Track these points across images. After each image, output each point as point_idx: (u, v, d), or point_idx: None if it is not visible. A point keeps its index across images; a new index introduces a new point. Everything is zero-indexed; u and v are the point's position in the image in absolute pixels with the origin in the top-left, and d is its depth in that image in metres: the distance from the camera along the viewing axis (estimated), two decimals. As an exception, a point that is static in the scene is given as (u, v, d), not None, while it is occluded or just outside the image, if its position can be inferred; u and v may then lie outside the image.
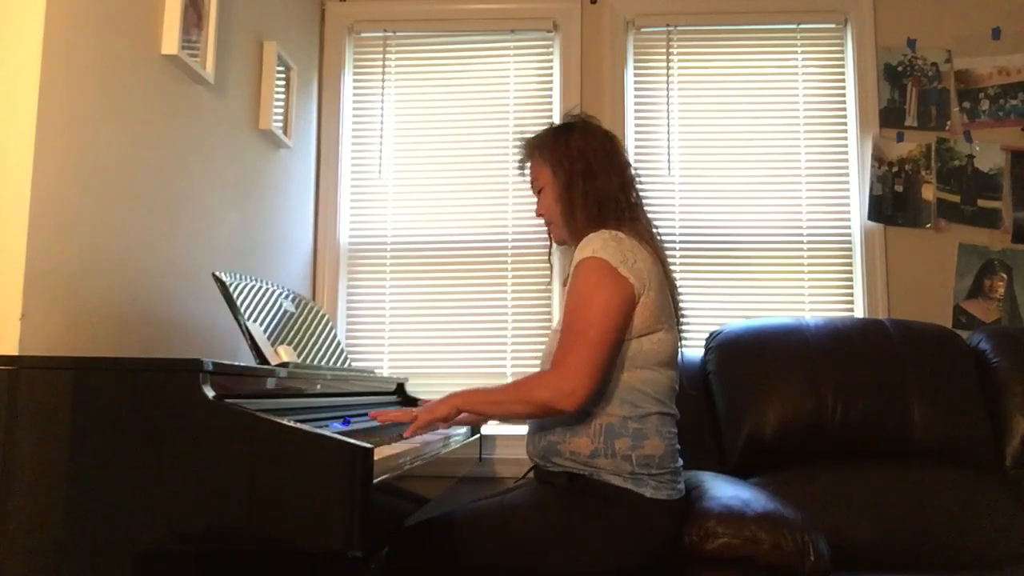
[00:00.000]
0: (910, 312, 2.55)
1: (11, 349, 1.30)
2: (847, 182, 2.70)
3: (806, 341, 2.25)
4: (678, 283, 1.73)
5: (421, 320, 2.74)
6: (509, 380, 2.62)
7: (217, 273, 1.65)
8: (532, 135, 1.79)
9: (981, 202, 2.63)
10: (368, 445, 1.11)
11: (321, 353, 1.98)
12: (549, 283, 2.65)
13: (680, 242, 2.70)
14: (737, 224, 2.70)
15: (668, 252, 2.62)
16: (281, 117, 2.38)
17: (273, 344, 1.70)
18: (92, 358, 1.21)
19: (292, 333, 1.85)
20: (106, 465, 1.13)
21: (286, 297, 1.91)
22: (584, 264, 1.54)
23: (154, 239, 1.73)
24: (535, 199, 1.78)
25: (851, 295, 2.66)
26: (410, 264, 2.76)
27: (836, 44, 2.76)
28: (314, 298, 2.71)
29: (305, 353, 1.87)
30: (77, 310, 1.46)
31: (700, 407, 2.28)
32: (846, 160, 2.71)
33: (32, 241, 1.34)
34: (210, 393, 1.13)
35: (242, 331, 1.62)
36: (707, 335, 2.43)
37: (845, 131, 2.72)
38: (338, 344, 2.12)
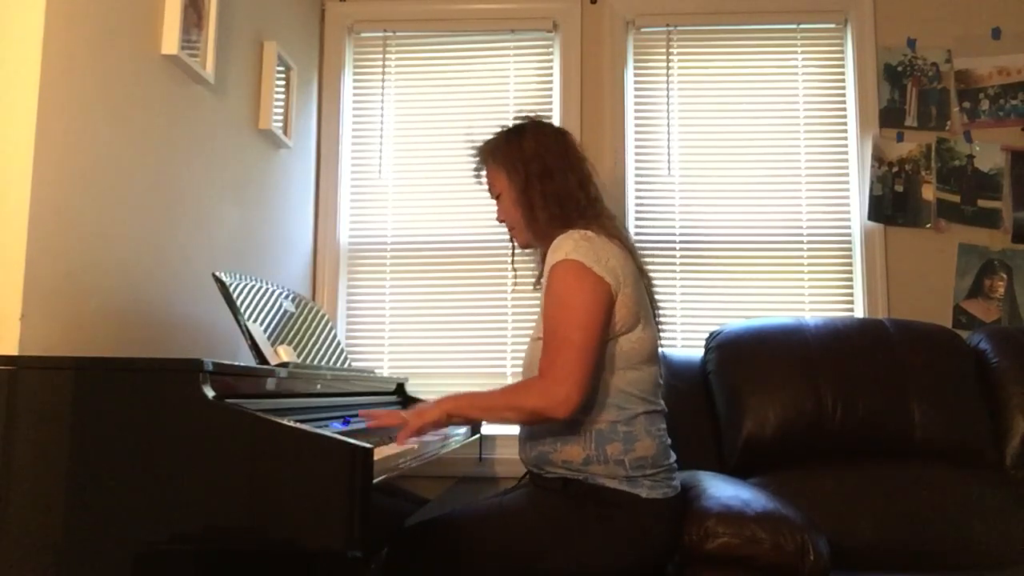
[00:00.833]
0: (910, 312, 2.55)
1: (11, 349, 1.30)
2: (847, 182, 2.70)
3: (806, 341, 2.25)
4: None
5: (421, 320, 2.74)
6: (509, 380, 2.62)
7: (217, 273, 1.65)
8: (484, 141, 1.78)
9: (981, 202, 2.63)
10: (368, 445, 1.11)
11: (321, 353, 1.98)
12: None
13: (680, 242, 2.70)
14: (737, 224, 2.70)
15: (668, 252, 2.68)
16: (281, 117, 2.38)
17: (273, 344, 1.70)
18: (92, 358, 1.21)
19: (292, 333, 1.85)
20: (106, 465, 1.13)
21: (286, 297, 1.91)
22: (559, 267, 1.53)
23: (154, 239, 1.73)
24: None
25: (851, 295, 2.66)
26: (410, 264, 2.76)
27: (836, 44, 2.76)
28: (314, 298, 2.71)
29: (305, 353, 1.87)
30: (77, 310, 1.46)
31: (700, 407, 2.28)
32: (846, 160, 2.71)
33: (32, 241, 1.34)
34: (210, 393, 1.13)
35: (242, 331, 1.62)
36: (707, 335, 2.42)
37: (845, 131, 2.72)
38: (338, 344, 2.12)
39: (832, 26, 2.76)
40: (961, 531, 2.02)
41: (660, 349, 1.67)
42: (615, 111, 2.72)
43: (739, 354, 2.27)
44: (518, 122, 1.77)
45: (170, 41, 1.74)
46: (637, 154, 2.75)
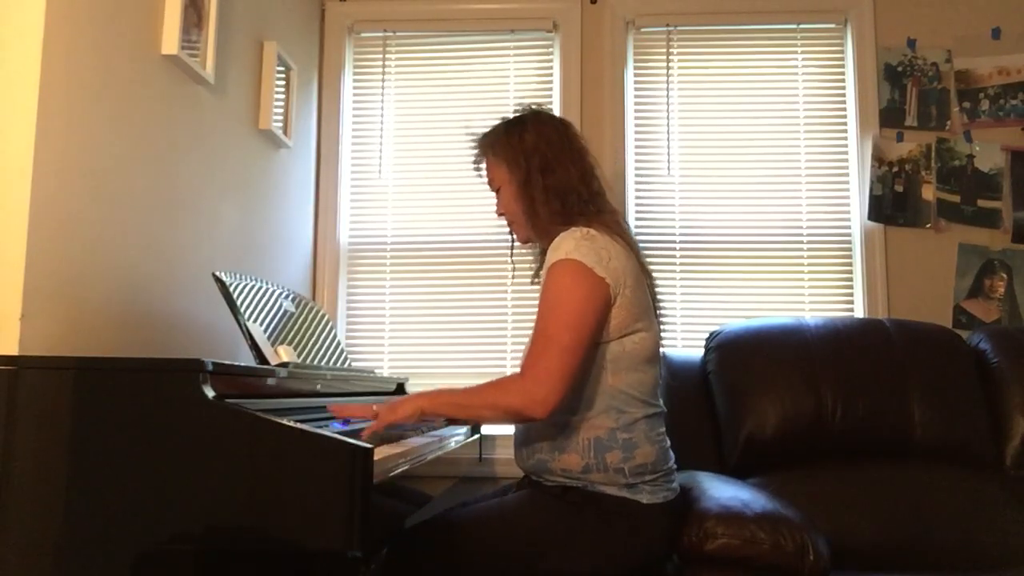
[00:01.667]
0: (910, 312, 2.55)
1: (11, 349, 1.30)
2: (847, 182, 2.70)
3: (806, 341, 2.25)
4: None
5: (421, 320, 2.74)
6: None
7: (217, 273, 1.65)
8: (483, 133, 1.74)
9: (981, 202, 2.63)
10: (368, 445, 1.11)
11: (321, 353, 1.98)
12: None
13: (680, 242, 2.71)
14: (737, 224, 2.70)
15: (668, 252, 2.68)
16: (281, 117, 2.38)
17: (273, 344, 1.70)
18: (92, 358, 1.21)
19: (292, 333, 1.85)
20: (106, 465, 1.13)
21: (286, 297, 1.91)
22: (558, 267, 1.50)
23: (154, 239, 1.73)
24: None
25: (851, 295, 2.66)
26: (410, 264, 2.77)
27: (836, 44, 2.76)
28: (314, 298, 2.71)
29: (305, 353, 1.87)
30: (77, 310, 1.46)
31: (700, 407, 2.28)
32: (846, 160, 2.71)
33: (32, 241, 1.34)
34: (210, 393, 1.13)
35: (242, 331, 1.62)
36: (707, 335, 2.42)
37: (845, 131, 2.72)
38: (338, 344, 2.12)
39: (832, 26, 2.76)
40: (961, 531, 2.02)
41: (661, 350, 1.64)
42: (615, 111, 2.72)
43: (739, 354, 2.27)
44: (518, 113, 1.73)
45: (170, 41, 1.74)
46: (637, 154, 2.75)
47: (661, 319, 1.67)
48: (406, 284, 2.76)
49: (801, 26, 2.76)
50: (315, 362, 1.91)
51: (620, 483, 1.50)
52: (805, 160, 2.72)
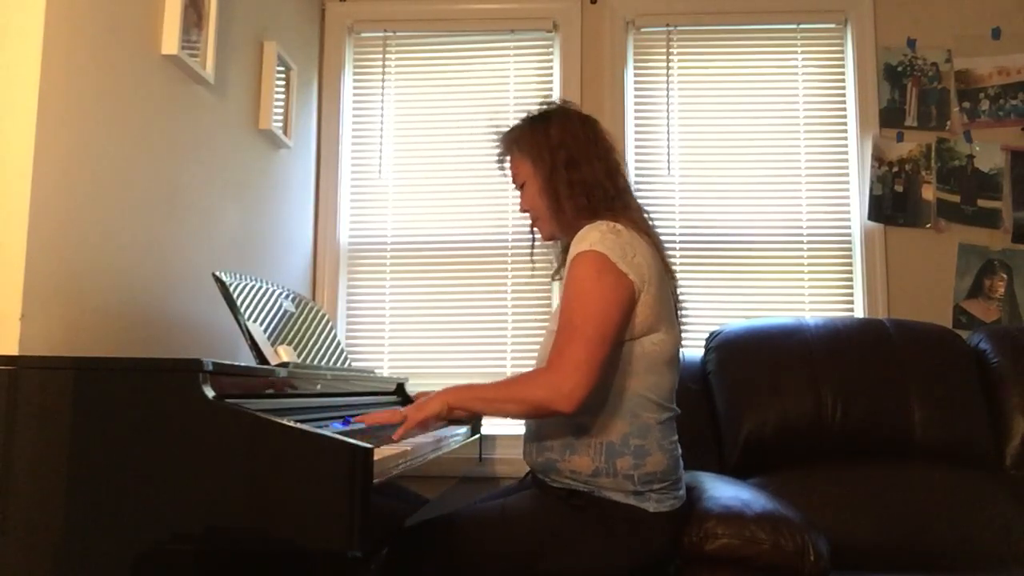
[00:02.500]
0: (910, 312, 2.55)
1: (11, 349, 1.29)
2: (847, 182, 2.70)
3: (806, 341, 2.25)
4: (677, 283, 1.69)
5: (421, 320, 2.74)
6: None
7: (217, 273, 1.65)
8: (508, 128, 1.72)
9: (981, 202, 2.63)
10: (368, 445, 1.11)
11: (321, 353, 1.98)
12: (549, 283, 2.62)
13: (680, 242, 2.71)
14: (737, 224, 2.70)
15: (668, 252, 2.66)
16: (281, 117, 2.38)
17: (273, 344, 1.70)
18: (92, 358, 1.21)
19: (292, 333, 1.85)
20: (106, 465, 1.13)
21: (286, 297, 1.91)
22: (582, 258, 1.47)
23: (154, 239, 1.73)
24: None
25: (851, 295, 2.66)
26: (410, 264, 2.76)
27: (836, 44, 2.76)
28: (314, 298, 2.71)
29: (305, 353, 1.87)
30: (77, 310, 1.46)
31: (700, 407, 2.28)
32: (846, 160, 2.71)
33: (32, 241, 1.34)
34: (210, 393, 1.13)
35: (242, 331, 1.62)
36: (707, 335, 2.43)
37: (845, 131, 2.72)
38: (338, 344, 2.12)
39: (832, 26, 2.76)
40: (961, 531, 2.02)
41: (681, 352, 1.61)
42: (615, 111, 2.72)
43: (739, 354, 2.27)
44: (543, 108, 1.70)
45: (170, 41, 1.74)
46: (637, 154, 2.75)
47: (683, 323, 1.64)
48: (406, 284, 2.76)
49: (801, 26, 2.76)
50: (315, 362, 1.91)
51: (628, 490, 1.49)
52: (805, 160, 2.72)
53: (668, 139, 2.75)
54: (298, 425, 1.12)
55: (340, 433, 1.18)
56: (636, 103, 2.77)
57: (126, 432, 1.13)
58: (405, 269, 2.76)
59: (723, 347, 2.31)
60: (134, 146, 1.65)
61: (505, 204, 2.74)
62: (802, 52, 2.76)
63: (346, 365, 2.12)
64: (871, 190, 2.65)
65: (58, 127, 1.41)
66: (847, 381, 2.17)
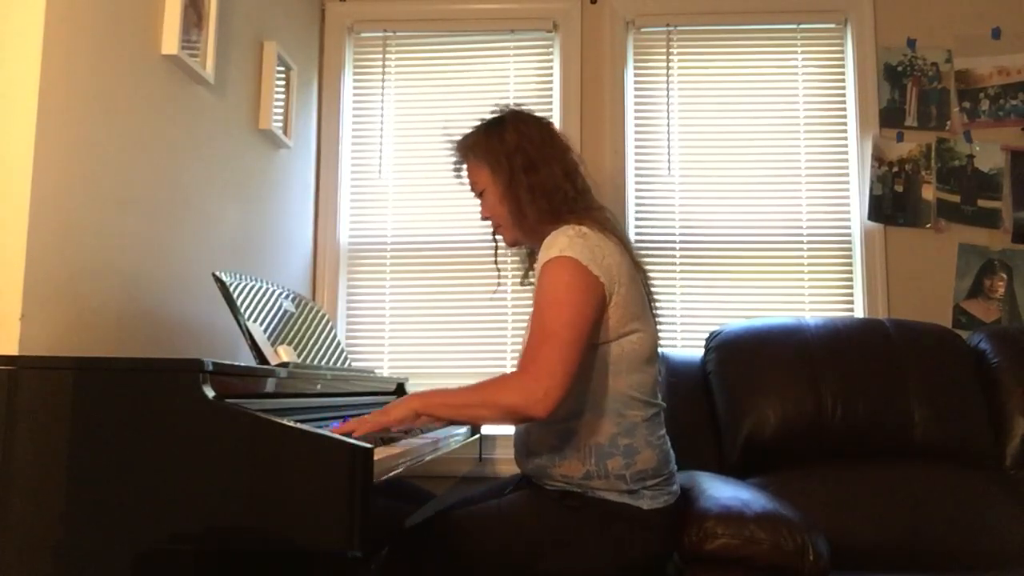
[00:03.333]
0: (910, 312, 2.55)
1: (11, 349, 1.30)
2: (847, 182, 2.70)
3: (806, 341, 2.25)
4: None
5: (421, 320, 2.74)
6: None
7: (217, 273, 1.65)
8: (462, 136, 1.71)
9: (981, 202, 2.63)
10: (368, 445, 1.11)
11: (321, 353, 1.98)
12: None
13: (680, 242, 2.70)
14: (737, 224, 2.70)
15: (668, 252, 2.68)
16: (281, 117, 2.38)
17: (273, 344, 1.70)
18: (92, 358, 1.21)
19: (292, 333, 1.85)
20: (106, 465, 1.13)
21: (286, 297, 1.91)
22: (552, 264, 1.46)
23: (154, 239, 1.73)
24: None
25: (851, 295, 2.66)
26: (410, 264, 2.77)
27: (836, 44, 2.76)
28: (314, 298, 2.71)
29: (305, 353, 1.87)
30: (77, 310, 1.46)
31: (700, 407, 2.28)
32: (846, 160, 2.71)
33: (32, 241, 1.34)
34: (210, 393, 1.13)
35: (242, 331, 1.62)
36: (707, 335, 2.42)
37: (845, 131, 2.72)
38: (338, 344, 2.12)
39: (832, 26, 2.76)
40: (961, 531, 2.02)
41: (660, 348, 1.62)
42: (615, 111, 2.72)
43: (739, 354, 2.27)
44: (496, 114, 1.70)
45: (170, 41, 1.74)
46: (637, 154, 2.75)
47: (657, 316, 1.65)
48: (406, 284, 2.76)
49: (801, 26, 2.76)
50: (315, 362, 1.91)
51: (621, 489, 1.50)
52: (805, 160, 2.72)
53: (668, 139, 2.75)
54: (298, 425, 1.12)
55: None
56: (636, 103, 2.77)
57: (126, 432, 1.14)
58: (405, 269, 2.76)
59: (723, 347, 2.31)
60: (134, 146, 1.65)
61: (505, 204, 2.74)
62: (802, 52, 2.76)
63: (346, 365, 2.12)
64: (871, 190, 2.65)
65: (58, 127, 1.41)
66: (847, 381, 2.17)
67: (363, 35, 2.85)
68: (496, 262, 1.85)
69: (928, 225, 2.64)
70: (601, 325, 1.49)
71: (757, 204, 2.70)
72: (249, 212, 2.21)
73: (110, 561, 1.12)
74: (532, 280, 1.59)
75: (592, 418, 1.51)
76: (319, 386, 1.64)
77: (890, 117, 2.68)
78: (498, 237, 1.76)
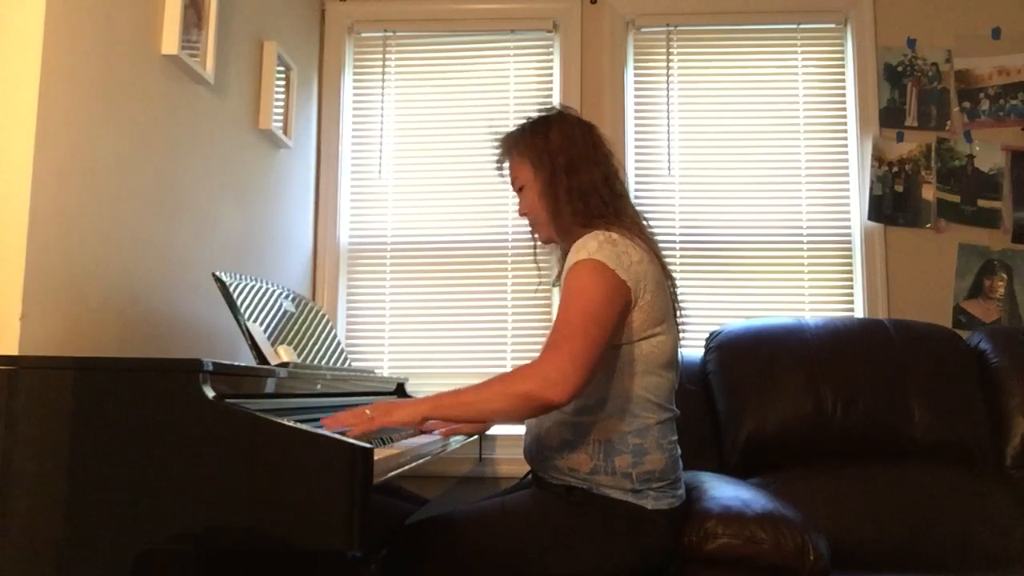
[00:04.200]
0: (910, 312, 2.55)
1: (11, 349, 1.30)
2: (847, 182, 2.70)
3: (806, 341, 2.25)
4: (677, 283, 1.69)
5: (421, 320, 2.74)
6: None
7: (217, 273, 1.65)
8: (508, 132, 1.73)
9: (981, 202, 2.63)
10: (368, 445, 1.11)
11: (321, 353, 1.98)
12: (551, 283, 2.63)
13: (680, 242, 2.70)
14: (737, 224, 2.70)
15: (668, 252, 2.68)
16: (281, 117, 2.38)
17: (273, 344, 1.70)
18: (92, 358, 1.21)
19: (292, 333, 1.85)
20: (106, 465, 1.13)
21: (286, 297, 1.91)
22: (580, 266, 1.49)
23: (154, 239, 1.73)
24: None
25: (851, 295, 2.66)
26: (410, 264, 2.77)
27: (836, 44, 2.76)
28: (314, 298, 2.71)
29: (305, 353, 1.87)
30: (77, 310, 1.46)
31: (700, 407, 2.28)
32: (846, 160, 2.71)
33: (32, 241, 1.34)
34: (210, 393, 1.13)
35: (242, 331, 1.62)
36: (707, 335, 2.43)
37: (845, 131, 2.72)
38: (338, 344, 2.12)
39: (832, 26, 2.76)
40: (961, 531, 2.02)
41: (680, 354, 1.62)
42: (615, 111, 2.72)
43: (739, 354, 2.27)
44: (543, 113, 1.72)
45: (170, 41, 1.74)
46: (637, 154, 2.75)
47: (681, 323, 1.65)
48: (406, 284, 2.76)
49: (801, 26, 2.76)
50: (315, 362, 1.91)
51: (626, 487, 1.50)
52: (805, 160, 2.72)
53: (668, 139, 2.75)
54: (298, 425, 1.12)
55: (340, 433, 1.18)
56: (636, 103, 2.77)
57: (126, 432, 1.13)
58: (405, 269, 2.76)
59: (723, 347, 2.31)
60: (134, 146, 1.65)
61: (505, 204, 2.74)
62: (802, 52, 2.76)
63: (346, 365, 2.12)
64: (871, 190, 2.65)
65: (58, 127, 1.41)
66: (847, 381, 2.17)
67: (363, 35, 2.85)
68: (536, 259, 1.86)
69: (928, 225, 2.64)
70: (624, 327, 1.50)
71: (757, 204, 2.70)
72: (249, 212, 2.21)
73: (110, 561, 1.12)
74: (561, 283, 1.58)
75: (605, 416, 1.52)
76: (319, 386, 1.64)
77: (890, 117, 2.68)
78: (513, 236, 1.79)
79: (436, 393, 1.49)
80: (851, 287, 2.66)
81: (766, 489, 1.88)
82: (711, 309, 2.66)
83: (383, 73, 2.84)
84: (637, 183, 2.74)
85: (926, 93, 2.69)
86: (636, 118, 2.76)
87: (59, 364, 1.17)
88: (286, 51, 2.40)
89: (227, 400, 1.14)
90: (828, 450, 2.16)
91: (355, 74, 2.86)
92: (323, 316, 2.11)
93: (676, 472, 1.57)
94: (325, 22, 2.82)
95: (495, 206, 2.76)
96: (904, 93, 2.69)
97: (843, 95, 2.73)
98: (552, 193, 1.62)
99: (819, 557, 1.49)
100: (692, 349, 2.53)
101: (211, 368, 1.14)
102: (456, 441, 1.92)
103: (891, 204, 2.65)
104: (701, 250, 2.70)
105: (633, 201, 2.66)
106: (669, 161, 2.74)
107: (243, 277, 1.74)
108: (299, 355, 1.82)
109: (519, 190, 1.72)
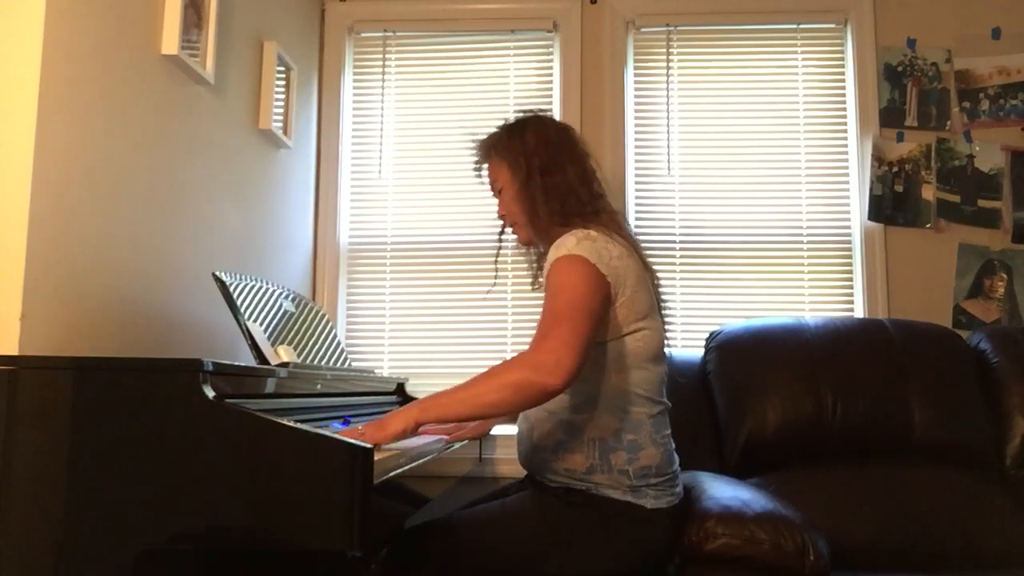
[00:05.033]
0: (910, 312, 2.55)
1: (11, 349, 1.30)
2: (847, 182, 2.70)
3: (806, 341, 2.25)
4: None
5: (421, 320, 2.74)
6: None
7: (217, 273, 1.65)
8: (485, 135, 1.76)
9: (981, 202, 2.63)
10: (368, 445, 1.11)
11: (321, 353, 1.98)
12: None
13: (680, 242, 2.70)
14: (737, 224, 2.70)
15: (668, 252, 2.68)
16: (281, 117, 2.38)
17: (273, 344, 1.70)
18: (92, 358, 1.21)
19: (292, 333, 1.85)
20: (106, 465, 1.13)
21: (286, 297, 1.91)
22: (560, 261, 1.49)
23: (154, 239, 1.73)
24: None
25: (851, 295, 2.66)
26: (410, 264, 2.76)
27: (836, 44, 2.76)
28: (314, 298, 2.71)
29: (305, 353, 1.87)
30: (77, 310, 1.46)
31: (700, 407, 2.28)
32: (846, 160, 2.71)
33: (32, 241, 1.34)
34: (210, 393, 1.13)
35: (242, 331, 1.62)
36: (707, 335, 2.42)
37: (845, 131, 2.72)
38: (338, 344, 2.12)
39: (832, 26, 2.76)
40: (961, 531, 2.02)
41: (666, 347, 1.63)
42: (615, 111, 2.72)
43: (739, 354, 2.27)
44: (520, 116, 1.75)
45: (170, 41, 1.74)
46: (637, 154, 2.75)
47: (665, 317, 1.67)
48: (406, 284, 2.76)
49: (801, 26, 2.76)
50: (315, 362, 1.91)
51: (624, 485, 1.50)
52: (805, 160, 2.72)
53: (668, 139, 2.74)
54: (298, 425, 1.12)
55: (340, 433, 1.18)
56: (636, 103, 2.77)
57: (126, 432, 1.14)
58: (405, 269, 2.76)
59: (723, 347, 2.31)
60: (134, 146, 1.65)
61: (505, 204, 2.74)
62: (802, 52, 2.76)
63: (346, 365, 2.12)
64: (871, 190, 2.65)
65: (58, 127, 1.41)
66: (847, 381, 2.17)
67: (363, 35, 2.85)
68: (496, 262, 1.92)
69: (928, 225, 2.64)
70: (607, 322, 1.51)
71: (757, 204, 2.70)
72: (249, 212, 2.21)
73: (110, 561, 1.12)
74: (541, 282, 1.62)
75: (596, 413, 1.52)
76: (319, 386, 1.64)
77: (890, 117, 2.68)
78: (504, 237, 1.81)
79: (427, 396, 1.43)
80: (851, 287, 2.66)
81: (766, 489, 1.88)
82: (711, 309, 2.66)
83: (383, 73, 2.84)
84: (637, 183, 2.74)
85: (926, 93, 2.69)
86: (636, 118, 2.76)
87: (59, 364, 1.18)
88: (286, 51, 2.40)
89: (227, 400, 1.14)
90: (828, 450, 2.16)
91: (355, 74, 2.85)
92: (323, 316, 2.11)
93: (672, 467, 1.57)
94: (325, 22, 2.82)
95: (495, 206, 2.73)
96: (904, 93, 2.69)
97: (843, 95, 2.73)
98: (529, 194, 1.64)
99: (819, 557, 1.49)
100: (692, 349, 2.53)
101: (211, 368, 1.14)
102: (456, 441, 1.92)
103: (891, 204, 2.65)
104: (701, 250, 2.70)
105: (632, 201, 2.71)
106: (669, 161, 2.74)
107: (243, 277, 1.74)
108: (299, 355, 1.82)
109: (497, 192, 1.75)
